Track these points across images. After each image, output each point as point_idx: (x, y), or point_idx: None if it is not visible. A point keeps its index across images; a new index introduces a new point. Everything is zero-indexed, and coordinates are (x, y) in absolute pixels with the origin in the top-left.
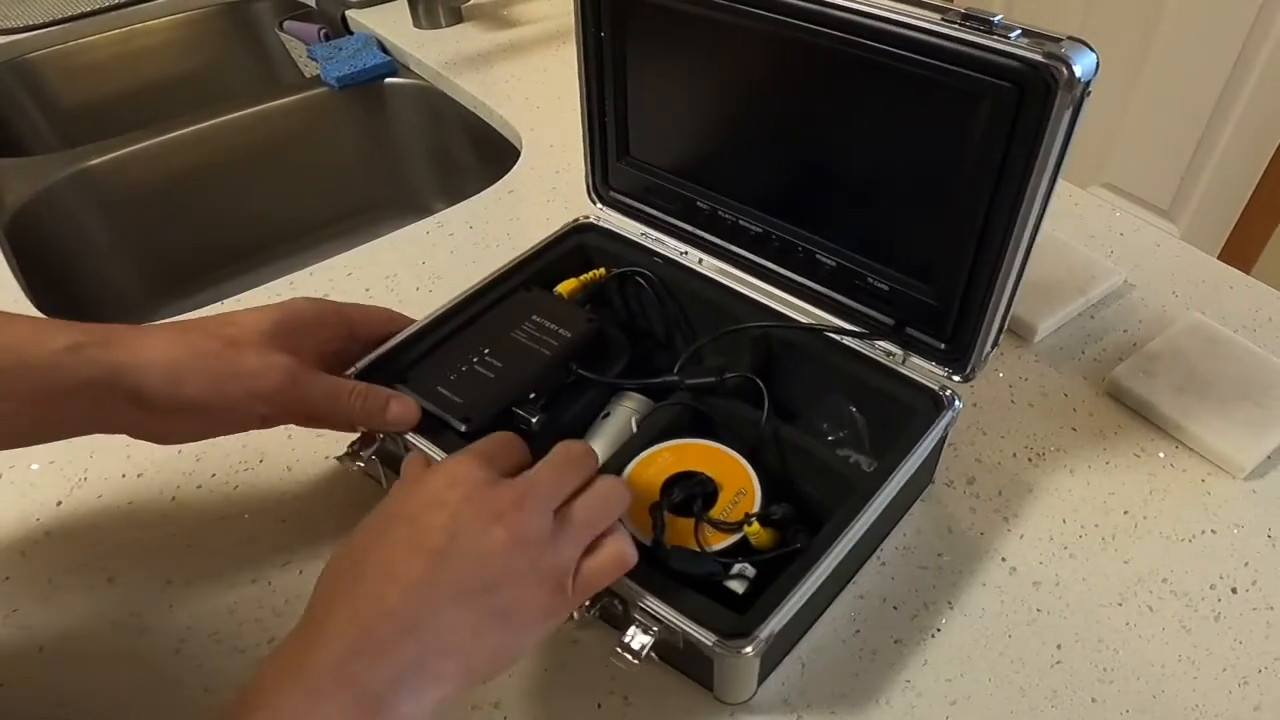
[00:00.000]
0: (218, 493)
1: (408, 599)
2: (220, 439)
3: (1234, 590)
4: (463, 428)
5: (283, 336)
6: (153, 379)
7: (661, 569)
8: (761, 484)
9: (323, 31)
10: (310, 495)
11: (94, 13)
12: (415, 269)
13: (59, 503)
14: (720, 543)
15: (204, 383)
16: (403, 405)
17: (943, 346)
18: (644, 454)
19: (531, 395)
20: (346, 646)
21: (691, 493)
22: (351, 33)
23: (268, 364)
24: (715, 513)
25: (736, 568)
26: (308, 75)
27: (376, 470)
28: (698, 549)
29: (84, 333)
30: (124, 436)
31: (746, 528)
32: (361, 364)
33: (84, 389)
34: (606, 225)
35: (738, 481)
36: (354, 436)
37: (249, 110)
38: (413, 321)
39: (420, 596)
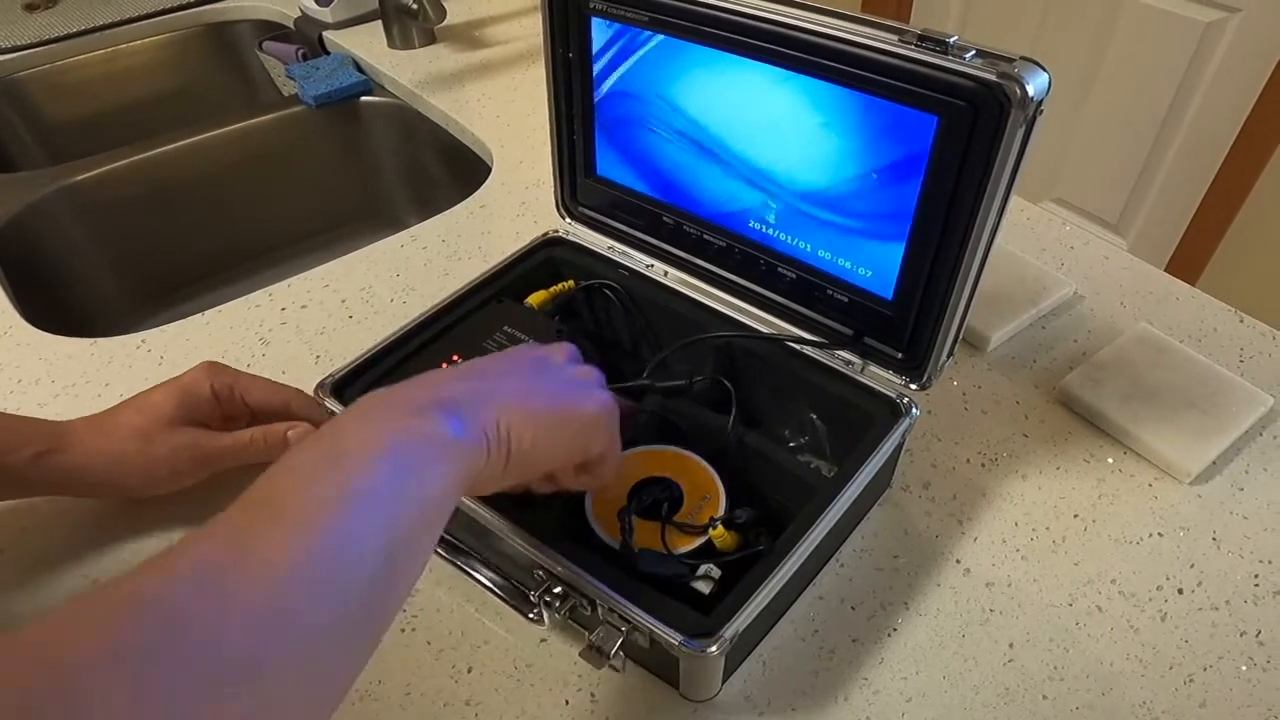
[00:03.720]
0: (198, 498)
1: (464, 364)
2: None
3: (1180, 591)
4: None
5: (186, 413)
6: (101, 478)
7: (629, 571)
8: (726, 488)
9: (300, 52)
10: None
11: (80, 34)
12: (390, 281)
13: (45, 505)
14: (686, 545)
15: (136, 475)
16: (301, 433)
17: (900, 356)
18: None
19: None
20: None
21: (658, 497)
22: (328, 53)
23: (174, 448)
24: (681, 517)
25: (702, 569)
26: (286, 94)
27: None
28: (665, 552)
29: (48, 440)
30: None
31: (711, 531)
32: (339, 375)
33: (49, 486)
34: (575, 239)
35: (703, 487)
36: None
37: (230, 128)
38: (314, 408)
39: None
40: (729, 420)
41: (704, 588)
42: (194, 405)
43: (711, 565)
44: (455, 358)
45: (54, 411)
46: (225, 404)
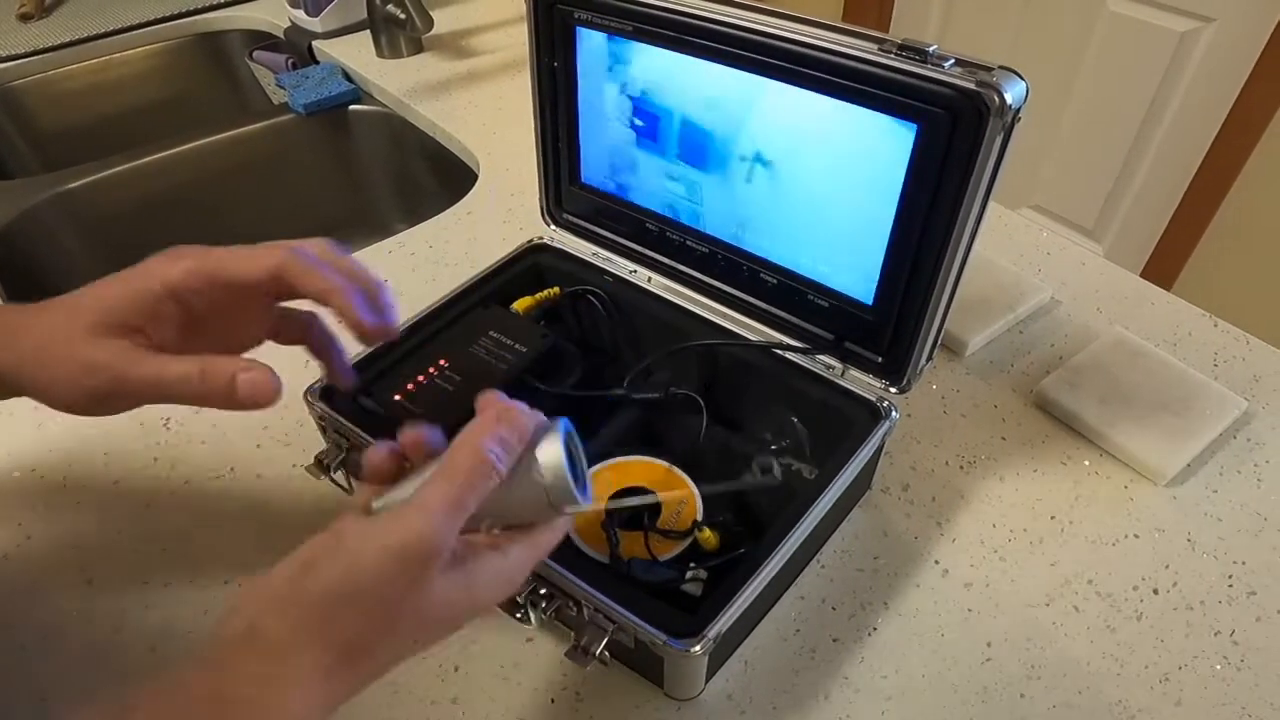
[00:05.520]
0: (192, 499)
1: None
2: (196, 447)
3: (1155, 591)
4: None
5: (121, 317)
6: (31, 382)
7: (620, 581)
8: (702, 493)
9: (290, 61)
10: (279, 501)
11: (73, 43)
12: None
13: (40, 508)
14: (670, 551)
15: (40, 386)
16: (253, 378)
17: (880, 360)
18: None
19: None
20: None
21: (636, 508)
22: (318, 62)
23: (89, 364)
24: (661, 524)
25: (690, 573)
26: (276, 102)
27: (345, 478)
28: (653, 559)
29: None
30: (102, 447)
31: (698, 533)
32: (321, 384)
33: None
34: (560, 245)
35: (676, 493)
36: (322, 446)
37: (221, 135)
38: (311, 274)
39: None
40: (700, 429)
41: (695, 590)
42: (136, 307)
43: (700, 569)
44: (442, 362)
45: (48, 414)
46: (192, 302)
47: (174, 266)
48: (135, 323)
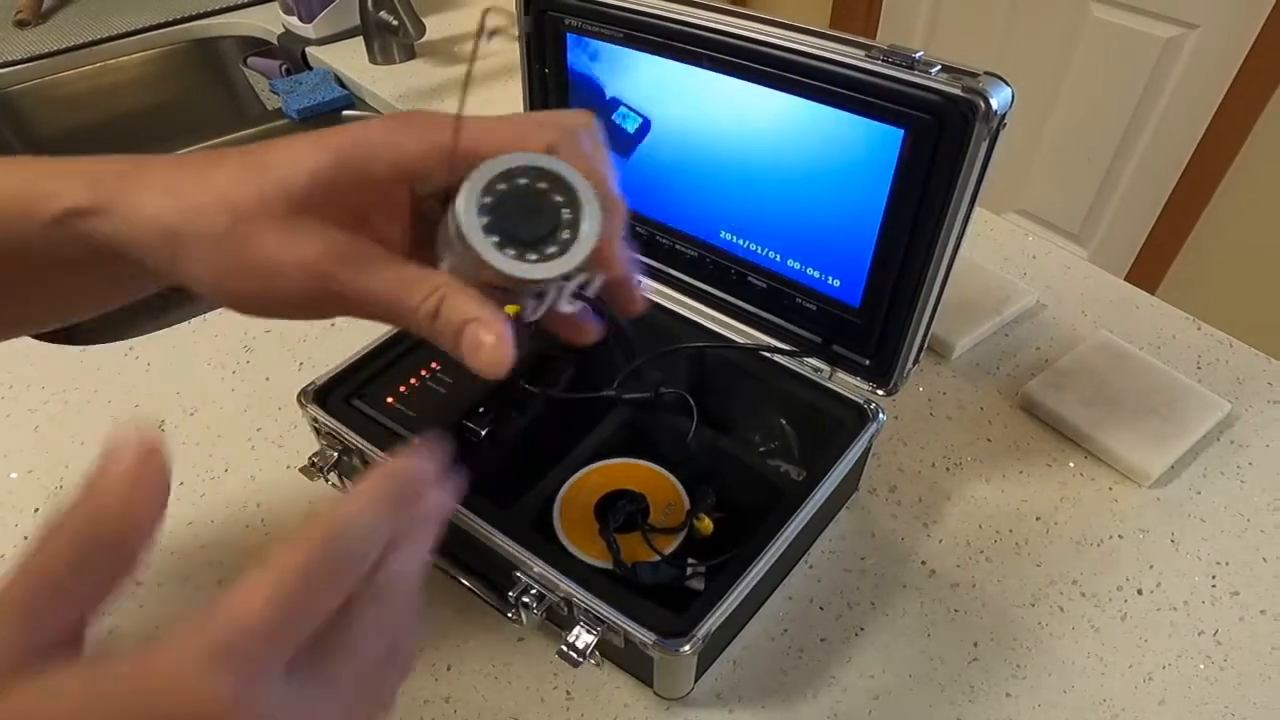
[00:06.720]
0: (185, 499)
1: None
2: (190, 448)
3: (1140, 592)
4: (415, 441)
5: (332, 194)
6: (153, 256)
7: (629, 586)
8: (689, 493)
9: (284, 67)
10: (273, 502)
11: (70, 49)
12: None
13: (36, 509)
14: (670, 545)
15: (208, 270)
16: (495, 345)
17: (867, 363)
18: (573, 478)
19: (480, 409)
20: None
21: (629, 511)
22: (311, 68)
23: (286, 255)
24: (653, 522)
25: (690, 569)
26: (270, 107)
27: (339, 480)
28: (656, 559)
29: (85, 189)
30: (97, 447)
31: (696, 521)
32: (321, 382)
33: (83, 271)
34: None
35: (665, 494)
36: (315, 448)
37: (216, 141)
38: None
39: None
40: (690, 430)
41: (698, 584)
42: (353, 181)
43: (699, 565)
44: (434, 365)
45: (45, 417)
46: (419, 183)
47: (409, 143)
48: (354, 203)
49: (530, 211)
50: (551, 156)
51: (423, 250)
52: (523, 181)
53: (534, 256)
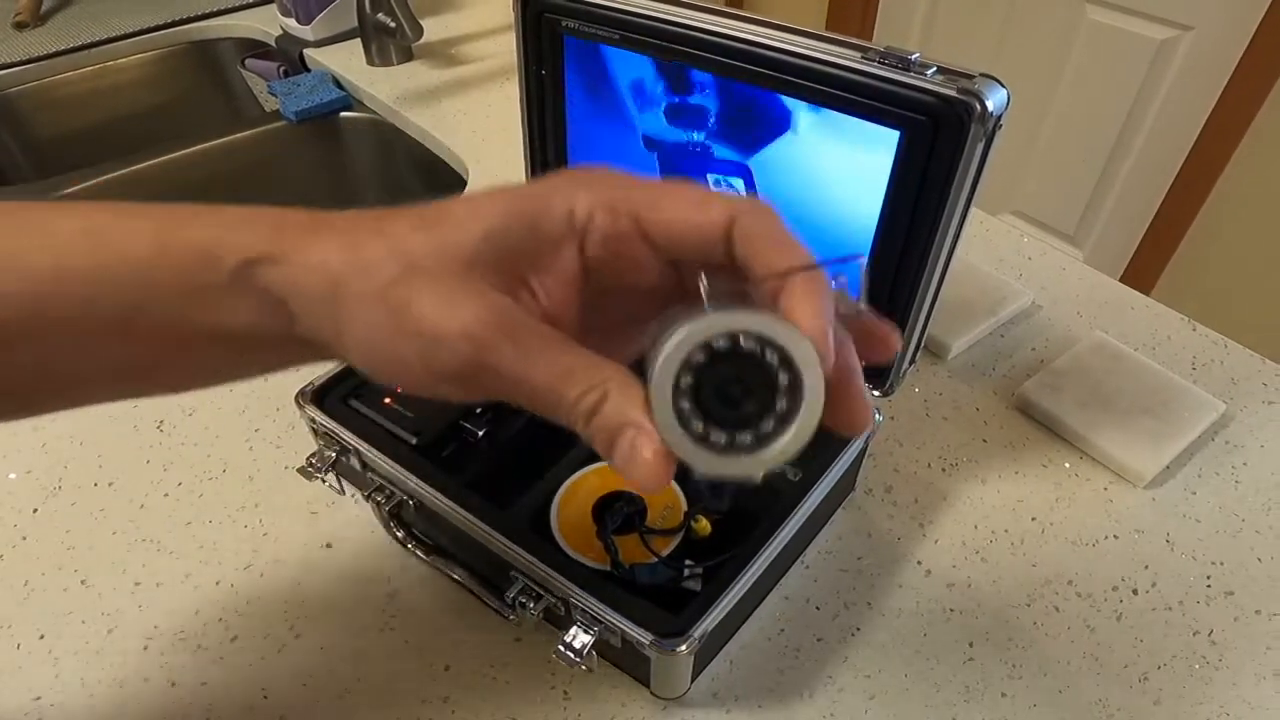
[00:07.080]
0: (184, 500)
1: None
2: (188, 449)
3: (1135, 592)
4: (414, 440)
5: (496, 249)
6: (314, 310)
7: (628, 587)
8: (685, 493)
9: (282, 69)
10: (271, 504)
11: (68, 51)
12: None
13: (35, 510)
14: (667, 546)
15: (365, 328)
16: (652, 462)
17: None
18: (571, 479)
19: (478, 409)
20: None
21: (627, 513)
22: (309, 70)
23: (452, 316)
24: (651, 524)
25: (688, 571)
26: (268, 109)
27: (336, 481)
28: (654, 560)
29: (264, 237)
30: (96, 449)
31: (693, 523)
32: (319, 382)
33: (256, 323)
34: None
35: (663, 496)
36: (313, 449)
37: (213, 142)
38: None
39: None
40: None
41: (695, 585)
42: (524, 235)
43: (696, 566)
44: None
45: (44, 416)
46: (599, 252)
47: (581, 195)
48: (524, 266)
49: (737, 394)
50: (763, 315)
51: (586, 319)
52: (730, 354)
53: (745, 439)
